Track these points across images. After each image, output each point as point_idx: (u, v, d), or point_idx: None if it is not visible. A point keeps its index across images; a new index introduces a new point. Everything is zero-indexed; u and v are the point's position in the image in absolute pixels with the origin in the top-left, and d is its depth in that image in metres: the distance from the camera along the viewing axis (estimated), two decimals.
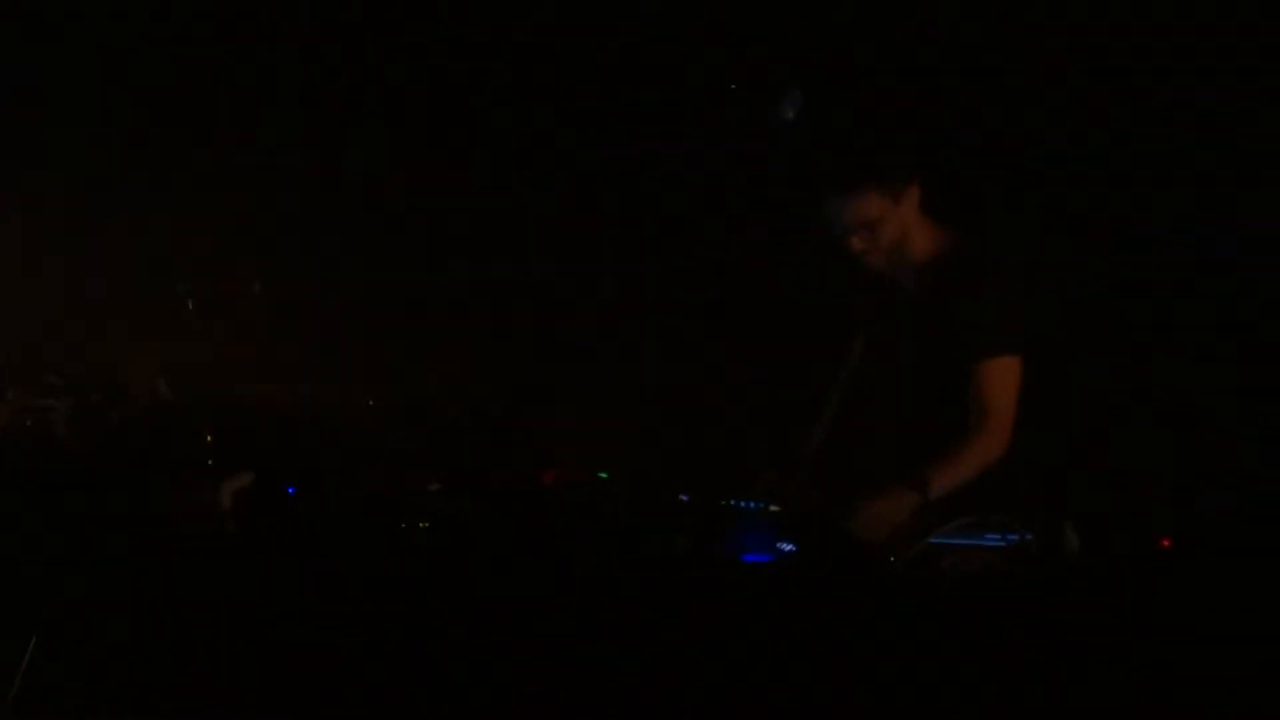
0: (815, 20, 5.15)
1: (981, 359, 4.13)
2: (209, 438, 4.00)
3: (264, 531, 3.72)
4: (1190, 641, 3.06)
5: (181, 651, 3.42)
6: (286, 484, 3.83)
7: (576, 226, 5.82)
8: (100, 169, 5.93)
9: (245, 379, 5.08)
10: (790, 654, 3.17)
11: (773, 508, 3.86)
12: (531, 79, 5.74)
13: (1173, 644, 3.07)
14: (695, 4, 5.42)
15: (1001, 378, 4.15)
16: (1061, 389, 5.00)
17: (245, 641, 3.40)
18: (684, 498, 3.90)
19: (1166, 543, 3.56)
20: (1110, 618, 3.15)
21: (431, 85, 5.88)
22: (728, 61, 5.32)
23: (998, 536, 3.53)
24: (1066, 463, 4.82)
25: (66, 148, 5.90)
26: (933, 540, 3.48)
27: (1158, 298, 4.94)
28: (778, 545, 3.56)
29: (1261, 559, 3.29)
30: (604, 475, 4.06)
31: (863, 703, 3.11)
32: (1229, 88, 4.72)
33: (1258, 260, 4.74)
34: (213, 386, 4.91)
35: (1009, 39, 4.94)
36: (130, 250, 5.87)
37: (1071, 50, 4.89)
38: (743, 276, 5.36)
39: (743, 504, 3.88)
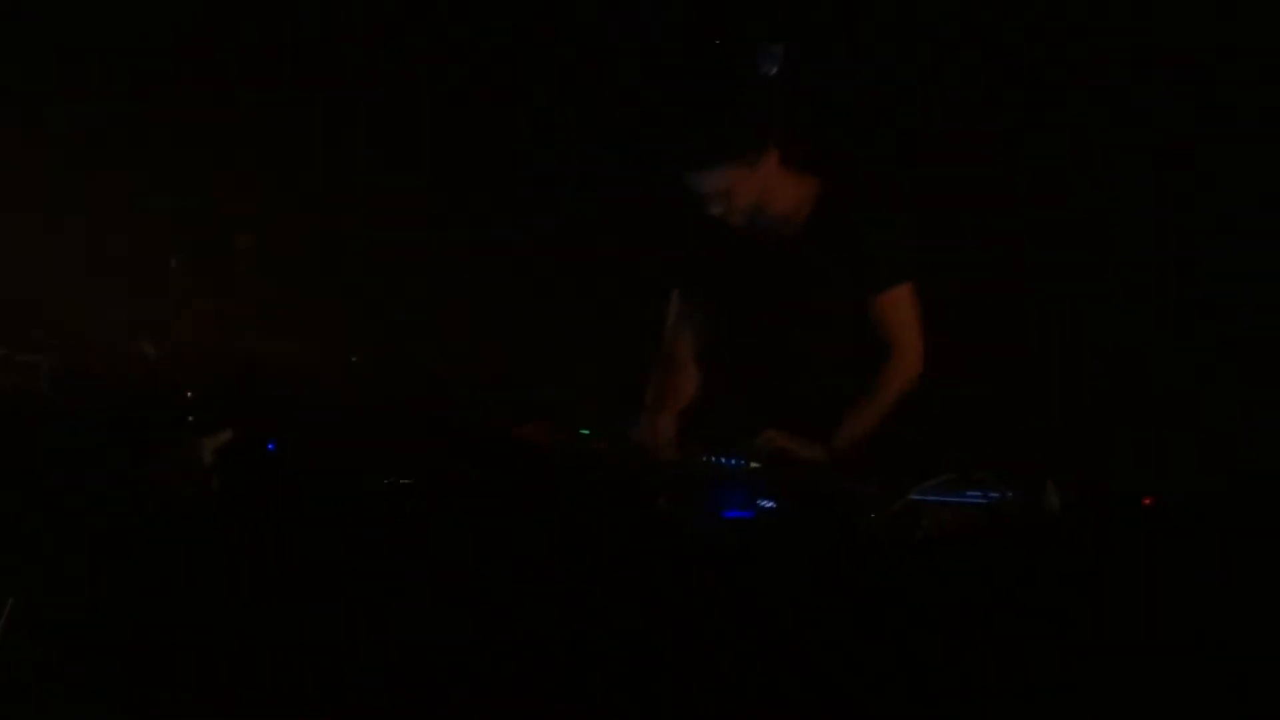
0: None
1: (876, 292, 4.29)
2: (190, 394, 4.00)
3: (245, 488, 3.71)
4: (1171, 599, 3.06)
5: (163, 609, 3.41)
6: (268, 440, 3.82)
7: (552, 185, 5.85)
8: (88, 126, 5.92)
9: (230, 336, 5.09)
10: (771, 609, 3.16)
11: (753, 464, 3.86)
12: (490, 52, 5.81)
13: (1153, 602, 3.07)
14: None
15: (899, 306, 4.32)
16: (1045, 348, 5.03)
17: (227, 597, 3.39)
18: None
19: (1148, 501, 3.56)
20: (1090, 576, 3.15)
21: (410, 46, 5.90)
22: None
23: (979, 494, 3.53)
24: (1050, 421, 4.85)
25: (53, 105, 5.89)
26: (913, 497, 3.48)
27: (1136, 258, 4.97)
28: (758, 502, 3.56)
29: (1242, 519, 3.29)
30: (586, 432, 4.06)
31: (844, 659, 3.11)
32: None
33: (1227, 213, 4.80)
34: (197, 343, 4.91)
35: None
36: (115, 207, 5.86)
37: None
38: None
39: (723, 461, 3.88)
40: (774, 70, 4.23)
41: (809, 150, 4.31)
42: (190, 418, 3.88)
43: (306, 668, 3.25)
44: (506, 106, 5.89)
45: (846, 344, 4.34)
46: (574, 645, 3.18)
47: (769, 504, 3.56)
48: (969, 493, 3.54)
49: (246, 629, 3.31)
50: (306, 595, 3.34)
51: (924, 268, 4.34)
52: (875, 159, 4.97)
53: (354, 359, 4.63)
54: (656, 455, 4.18)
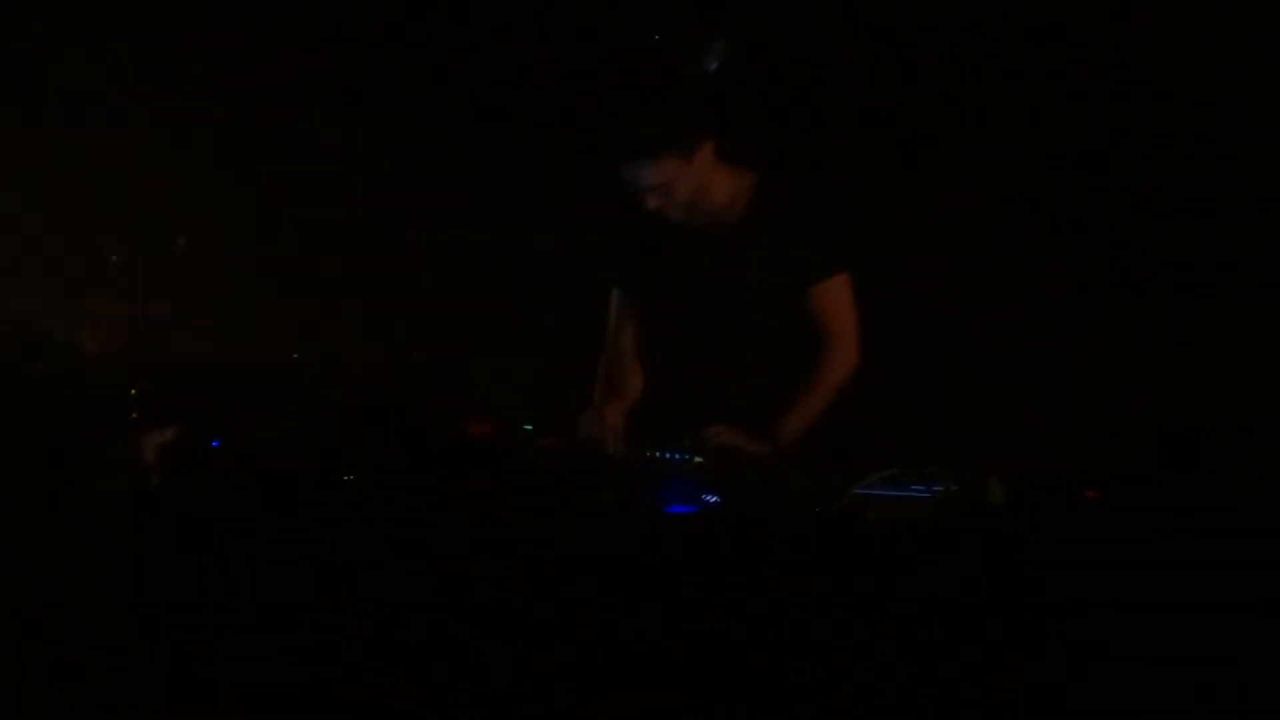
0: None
1: (812, 283, 4.33)
2: (133, 390, 3.98)
3: (187, 484, 3.70)
4: (1115, 593, 3.08)
5: (105, 605, 3.39)
6: (211, 437, 3.81)
7: (493, 179, 5.86)
8: (25, 123, 5.89)
9: (170, 333, 5.07)
10: (715, 604, 3.17)
11: (696, 459, 3.87)
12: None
13: (1096, 595, 3.09)
14: None
15: (836, 297, 4.36)
16: (989, 339, 5.06)
17: (170, 593, 3.37)
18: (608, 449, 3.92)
19: (1091, 494, 3.58)
20: (1033, 568, 3.16)
21: (348, 40, 5.89)
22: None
23: (923, 487, 3.54)
24: (994, 413, 4.87)
25: None
26: (858, 491, 3.49)
27: (1083, 249, 5.00)
28: (703, 497, 3.57)
29: (1185, 512, 3.31)
30: (529, 428, 4.06)
31: (785, 653, 3.11)
32: None
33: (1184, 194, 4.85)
34: (137, 340, 4.89)
35: None
36: (55, 205, 5.83)
37: None
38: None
39: (667, 456, 3.89)
40: (708, 63, 4.25)
41: (744, 142, 4.33)
42: (134, 414, 3.86)
43: (248, 663, 3.25)
44: (447, 103, 5.89)
45: (785, 336, 4.35)
46: (519, 640, 3.18)
47: (713, 499, 3.57)
48: (913, 486, 3.56)
49: (188, 625, 3.30)
50: (249, 591, 3.33)
51: (861, 258, 4.36)
52: (810, 150, 4.99)
53: (296, 355, 4.62)
54: (603, 449, 4.19)
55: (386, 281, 5.97)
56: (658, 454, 3.89)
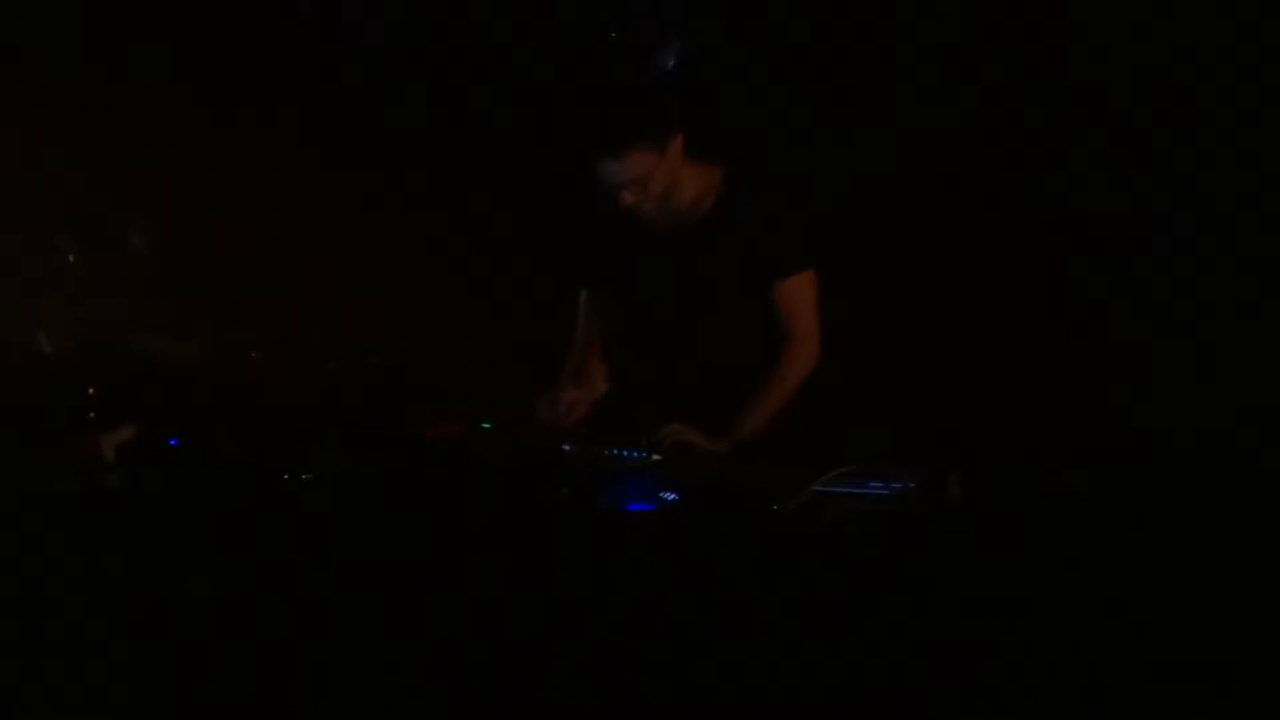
0: None
1: (776, 280, 4.33)
2: (91, 390, 3.97)
3: (147, 484, 3.69)
4: (1070, 588, 3.10)
5: (62, 605, 3.38)
6: (169, 436, 3.80)
7: (454, 176, 5.86)
8: None
9: (128, 332, 5.05)
10: (674, 603, 3.18)
11: (655, 457, 3.88)
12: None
13: (1052, 590, 3.11)
14: None
15: (798, 295, 4.36)
16: (951, 339, 5.08)
17: (126, 593, 3.37)
18: (566, 448, 3.92)
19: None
20: (991, 565, 3.18)
21: (312, 31, 5.88)
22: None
23: (881, 484, 3.56)
24: (953, 412, 4.89)
25: None
26: (816, 488, 3.50)
27: (1042, 247, 5.03)
28: (660, 495, 3.58)
29: (1143, 508, 3.34)
30: (487, 426, 4.06)
31: (745, 650, 3.12)
32: None
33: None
34: (94, 339, 4.87)
35: None
36: (9, 203, 5.80)
37: None
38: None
39: (625, 454, 3.90)
40: (675, 59, 4.26)
41: (712, 137, 4.34)
42: (91, 414, 3.86)
43: (204, 663, 3.24)
44: (411, 98, 5.88)
45: (748, 333, 4.36)
46: (480, 640, 3.19)
47: (671, 496, 3.58)
48: (871, 483, 3.57)
49: (145, 624, 3.30)
50: (206, 591, 3.33)
51: (825, 255, 4.37)
52: (777, 147, 5.00)
53: (254, 355, 4.61)
54: (560, 427, 4.21)
55: (353, 279, 5.96)
56: (616, 452, 3.90)
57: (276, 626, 3.26)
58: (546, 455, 3.88)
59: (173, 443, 3.80)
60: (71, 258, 5.22)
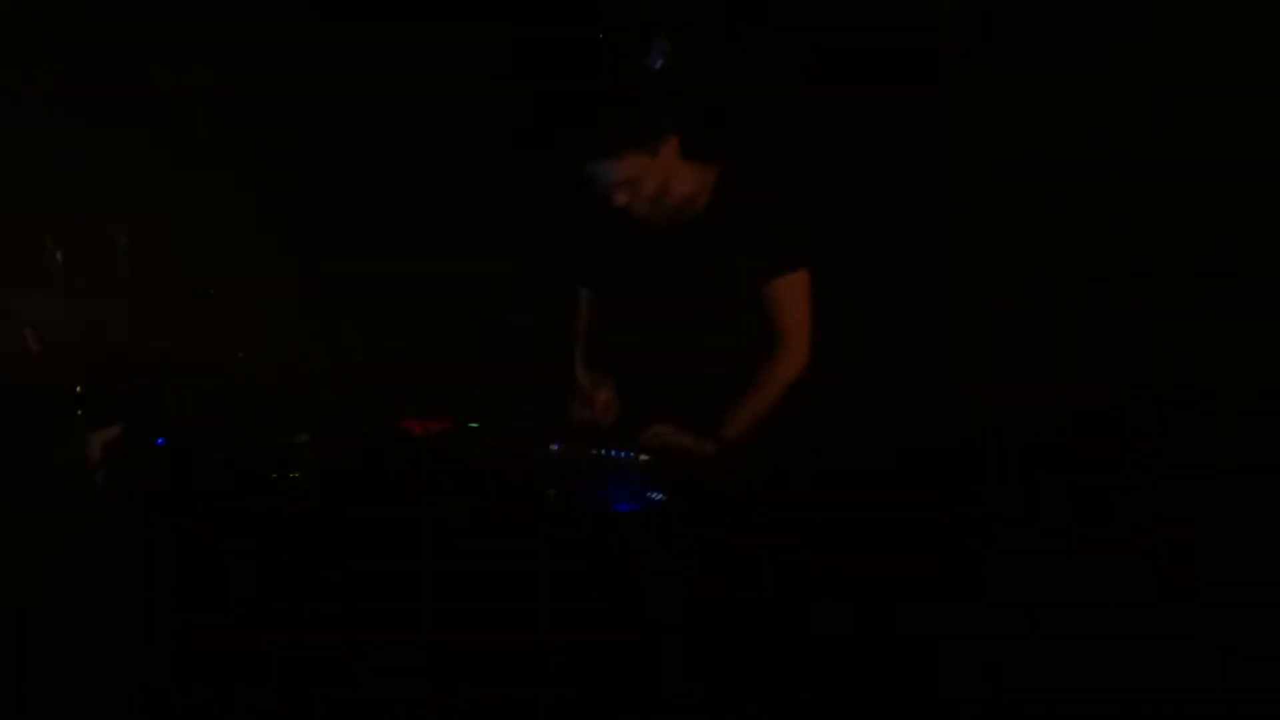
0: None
1: (769, 278, 4.32)
2: (78, 388, 3.97)
3: (134, 483, 3.70)
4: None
5: (50, 604, 3.39)
6: (156, 435, 3.81)
7: (433, 172, 5.87)
8: None
9: (115, 331, 5.05)
10: (661, 603, 3.19)
11: (642, 457, 3.89)
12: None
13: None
14: None
15: (790, 293, 4.35)
16: (942, 339, 5.08)
17: (114, 592, 3.37)
18: (554, 447, 3.92)
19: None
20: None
21: (299, 31, 5.88)
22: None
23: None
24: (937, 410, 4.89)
25: None
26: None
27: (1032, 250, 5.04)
28: (648, 494, 3.58)
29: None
30: (474, 426, 4.07)
31: (731, 652, 3.13)
32: None
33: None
34: (82, 338, 4.87)
35: None
36: None
37: None
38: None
39: (613, 453, 3.90)
40: (668, 59, 4.26)
41: (706, 137, 4.35)
42: (78, 412, 3.86)
43: (192, 663, 3.25)
44: (403, 97, 5.89)
45: (741, 332, 4.36)
46: (465, 640, 3.19)
47: (658, 496, 3.59)
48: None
49: (133, 624, 3.30)
50: (194, 591, 3.34)
51: (818, 257, 4.37)
52: (772, 146, 4.98)
53: (241, 354, 4.61)
54: (601, 424, 4.23)
55: (345, 277, 5.96)
56: (603, 452, 3.91)
57: (265, 626, 3.27)
58: (533, 455, 3.88)
59: (160, 442, 3.80)
60: (59, 256, 5.22)
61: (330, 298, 5.90)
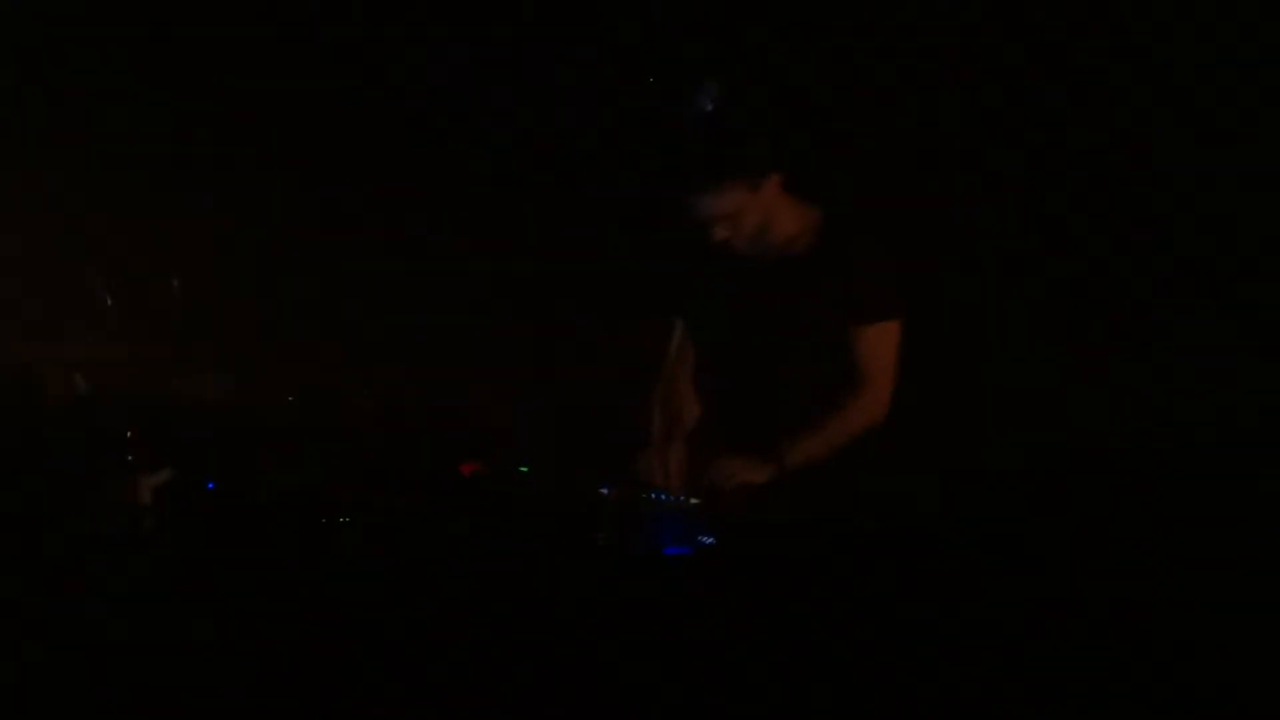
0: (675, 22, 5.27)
1: (861, 324, 4.23)
2: (129, 434, 3.98)
3: (184, 527, 3.71)
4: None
5: (102, 647, 3.40)
6: (206, 479, 3.82)
7: (489, 211, 5.86)
8: (11, 163, 5.89)
9: (164, 375, 5.07)
10: (713, 646, 3.19)
11: (692, 500, 3.88)
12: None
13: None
14: None
15: (880, 342, 4.25)
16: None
17: (166, 637, 3.38)
18: (604, 491, 3.92)
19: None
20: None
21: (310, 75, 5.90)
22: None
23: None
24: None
25: None
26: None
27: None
28: (698, 538, 3.58)
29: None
30: (525, 469, 4.07)
31: (783, 695, 3.13)
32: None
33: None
34: (131, 383, 4.89)
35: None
36: (46, 247, 5.82)
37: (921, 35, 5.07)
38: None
39: (663, 497, 3.90)
40: (773, 97, 4.26)
41: (812, 177, 4.32)
42: (129, 456, 3.87)
43: (243, 706, 3.25)
44: (493, 130, 5.88)
45: (822, 376, 4.27)
46: (513, 683, 3.19)
47: (708, 540, 3.58)
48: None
49: (186, 668, 3.31)
50: (246, 634, 3.34)
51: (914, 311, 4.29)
52: (878, 192, 4.93)
53: (291, 398, 4.62)
54: (670, 490, 4.19)
55: (389, 319, 5.97)
56: (654, 495, 3.91)
57: (315, 668, 3.27)
58: (584, 498, 3.88)
59: (210, 486, 3.81)
60: (109, 300, 5.24)
61: (380, 340, 5.91)
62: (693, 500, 3.87)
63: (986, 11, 4.99)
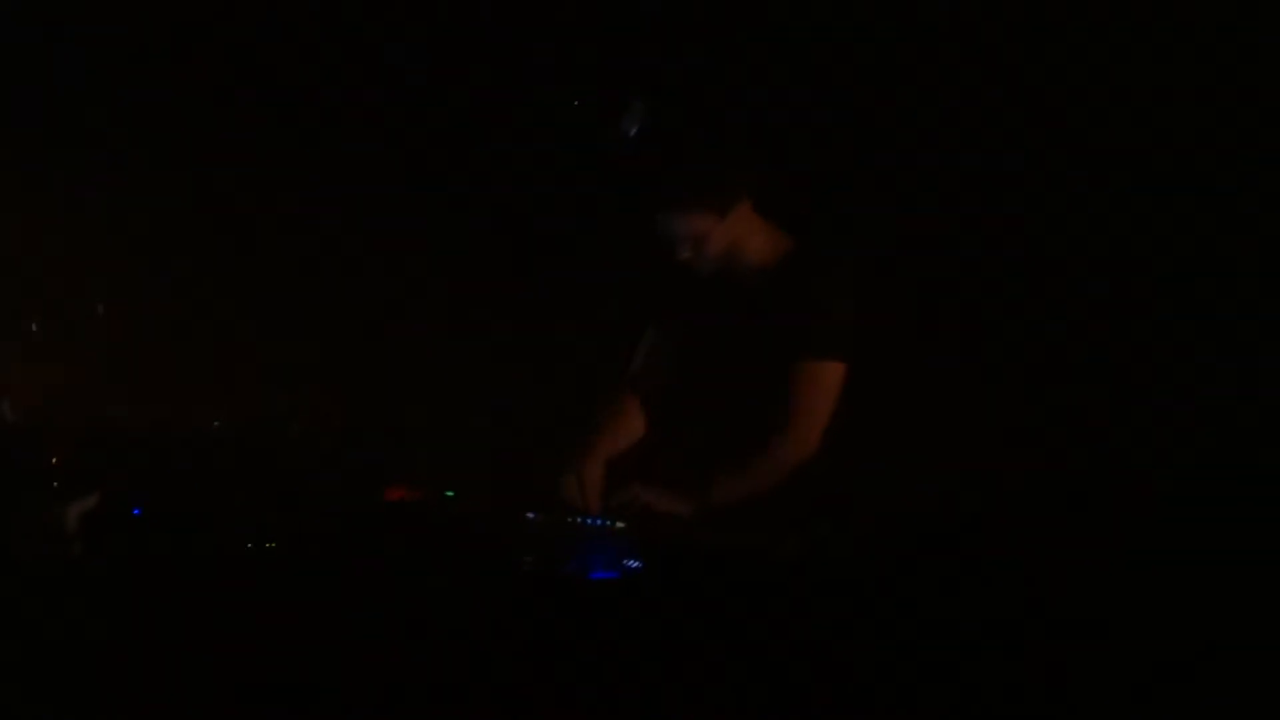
0: (650, 41, 5.23)
1: (801, 360, 4.20)
2: (55, 459, 3.97)
3: (109, 553, 3.69)
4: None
5: (23, 676, 3.38)
6: (132, 505, 3.80)
7: (416, 234, 5.83)
8: None
9: (90, 400, 5.05)
10: (637, 670, 3.19)
11: (619, 525, 3.89)
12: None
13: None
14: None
15: (818, 381, 4.21)
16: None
17: (89, 663, 3.36)
18: (530, 516, 3.92)
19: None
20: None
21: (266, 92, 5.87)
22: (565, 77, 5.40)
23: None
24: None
25: None
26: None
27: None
28: (624, 562, 3.59)
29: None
30: (450, 494, 4.07)
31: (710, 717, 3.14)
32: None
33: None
34: (57, 408, 4.87)
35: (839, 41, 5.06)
36: None
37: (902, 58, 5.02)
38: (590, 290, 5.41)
39: (589, 521, 3.91)
40: (749, 121, 4.26)
41: (783, 205, 4.32)
42: (55, 483, 3.86)
43: None
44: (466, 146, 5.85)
45: (767, 408, 4.27)
46: (443, 709, 3.19)
47: (635, 564, 3.59)
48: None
49: (109, 697, 3.30)
50: (169, 662, 3.33)
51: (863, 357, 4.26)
52: (854, 227, 4.87)
53: (217, 423, 4.62)
54: (583, 508, 4.18)
55: (311, 346, 5.94)
56: (579, 519, 3.91)
57: (241, 695, 3.26)
58: (509, 523, 3.88)
59: (136, 512, 3.80)
60: (34, 325, 5.22)
61: (309, 364, 5.89)
62: (619, 525, 3.88)
63: (965, 43, 4.95)
